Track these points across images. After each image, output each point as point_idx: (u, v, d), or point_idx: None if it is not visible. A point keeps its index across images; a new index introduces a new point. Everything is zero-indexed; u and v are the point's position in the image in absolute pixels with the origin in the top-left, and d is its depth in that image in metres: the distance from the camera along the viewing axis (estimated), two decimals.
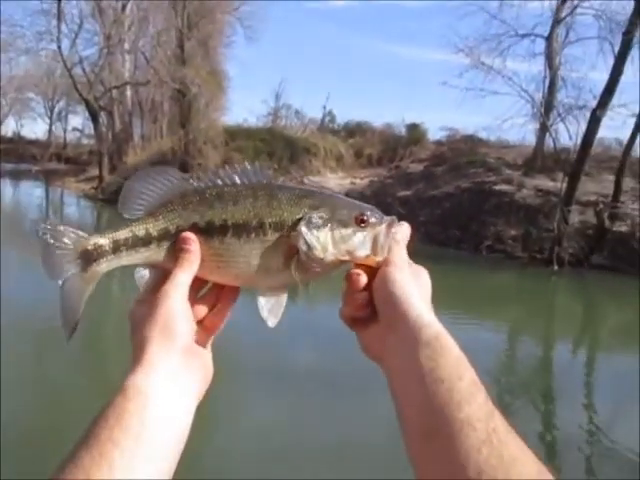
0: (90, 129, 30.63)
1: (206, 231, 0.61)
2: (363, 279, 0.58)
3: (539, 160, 17.46)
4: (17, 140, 42.79)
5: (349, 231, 0.60)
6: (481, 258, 14.25)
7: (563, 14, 17.31)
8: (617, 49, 14.30)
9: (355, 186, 18.37)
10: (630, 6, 13.97)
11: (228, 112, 23.40)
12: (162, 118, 24.79)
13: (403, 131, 22.31)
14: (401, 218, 0.64)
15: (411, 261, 0.61)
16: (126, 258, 0.62)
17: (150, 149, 22.37)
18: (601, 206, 14.13)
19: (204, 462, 3.73)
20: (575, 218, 14.40)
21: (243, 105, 50.54)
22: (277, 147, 19.83)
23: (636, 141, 14.85)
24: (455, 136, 21.46)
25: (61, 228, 0.64)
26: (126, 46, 24.50)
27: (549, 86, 17.37)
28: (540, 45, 17.75)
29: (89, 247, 0.62)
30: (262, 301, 0.61)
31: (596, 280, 13.21)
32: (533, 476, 0.43)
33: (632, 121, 14.57)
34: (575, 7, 17.19)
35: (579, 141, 14.95)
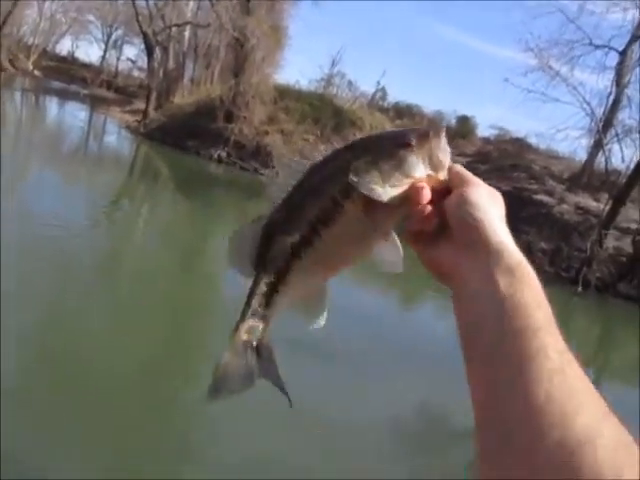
0: (143, 62, 30.79)
1: (304, 243, 0.60)
2: (427, 191, 0.57)
3: (586, 177, 16.94)
4: (70, 61, 43.21)
5: (398, 159, 0.58)
6: None
7: None
8: None
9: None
10: None
11: (281, 70, 23.20)
12: (215, 64, 24.66)
13: (453, 122, 21.84)
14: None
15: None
16: (273, 313, 0.63)
17: (198, 93, 22.32)
18: None
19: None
20: (610, 243, 13.99)
21: (297, 66, 49.82)
22: (324, 114, 19.60)
23: None
24: (504, 136, 20.93)
25: (222, 367, 0.63)
26: None
27: (613, 103, 16.73)
28: (612, 59, 17.04)
29: (245, 338, 0.62)
30: (380, 260, 0.60)
31: (619, 308, 12.89)
32: (599, 413, 0.42)
33: None
34: None
35: (632, 165, 14.40)
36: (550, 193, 16.20)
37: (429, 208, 0.56)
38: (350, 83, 22.71)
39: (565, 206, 15.78)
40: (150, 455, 3.54)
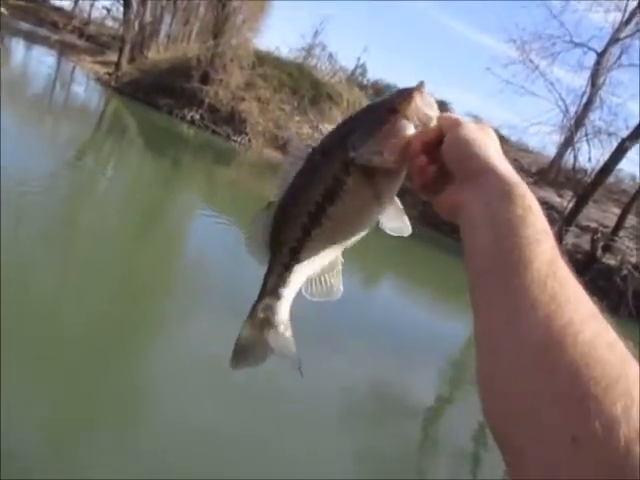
0: (118, 12, 29.56)
1: (313, 222, 0.63)
2: (416, 144, 0.59)
3: (553, 173, 17.26)
4: (40, 1, 41.05)
5: (388, 126, 0.60)
6: None
7: (623, 34, 16.72)
8: None
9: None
10: None
11: (261, 36, 22.66)
12: (194, 22, 23.88)
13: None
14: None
15: None
16: (290, 292, 0.66)
17: (175, 50, 21.61)
18: (599, 235, 14.08)
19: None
20: (570, 239, 14.36)
21: (279, 34, 48.68)
22: (302, 85, 19.28)
23: None
24: None
25: (239, 344, 0.68)
26: None
27: (586, 103, 17.00)
28: (590, 59, 17.25)
29: (262, 316, 0.66)
30: (387, 227, 0.64)
31: None
32: (585, 315, 0.43)
33: None
34: (637, 31, 16.59)
35: (598, 166, 14.74)
36: None
37: (423, 159, 0.59)
38: (331, 56, 22.36)
39: None
40: (99, 412, 3.50)
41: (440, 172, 0.59)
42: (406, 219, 0.64)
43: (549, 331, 0.42)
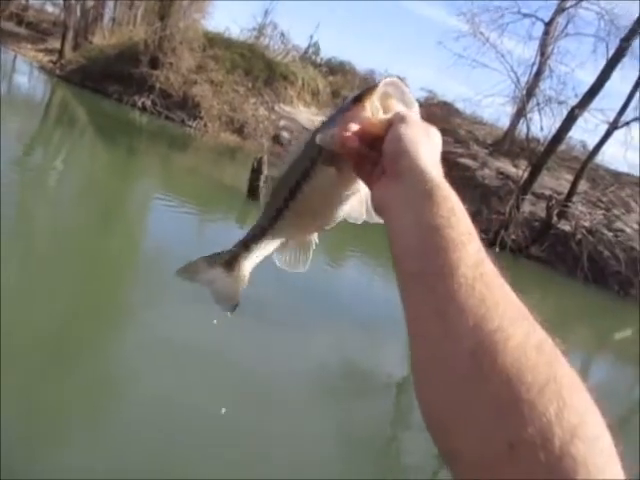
0: None
1: (290, 197, 0.68)
2: (352, 129, 0.60)
3: (507, 143, 17.60)
4: None
5: (348, 112, 0.63)
6: None
7: (568, 4, 17.04)
8: (611, 53, 14.28)
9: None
10: (635, 13, 13.87)
11: (210, 17, 22.10)
12: (139, 5, 23.02)
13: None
14: None
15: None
16: (258, 250, 0.72)
17: (121, 35, 20.84)
18: (553, 202, 14.50)
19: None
20: (526, 207, 14.74)
21: (228, 13, 47.49)
22: (255, 66, 18.96)
23: (602, 148, 15.14)
24: (433, 100, 21.24)
25: (196, 265, 0.74)
26: None
27: (536, 73, 17.31)
28: (539, 29, 17.53)
29: (226, 258, 0.73)
30: (351, 212, 0.69)
31: (529, 270, 13.73)
32: (514, 316, 0.43)
33: (604, 127, 14.79)
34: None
35: (550, 134, 15.09)
36: (474, 157, 16.74)
37: (355, 146, 0.59)
38: (283, 35, 22.00)
39: (487, 170, 16.39)
40: (70, 405, 3.45)
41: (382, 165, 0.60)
42: (362, 207, 0.67)
43: (479, 339, 0.41)
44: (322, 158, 0.65)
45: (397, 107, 0.63)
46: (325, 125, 0.65)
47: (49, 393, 3.50)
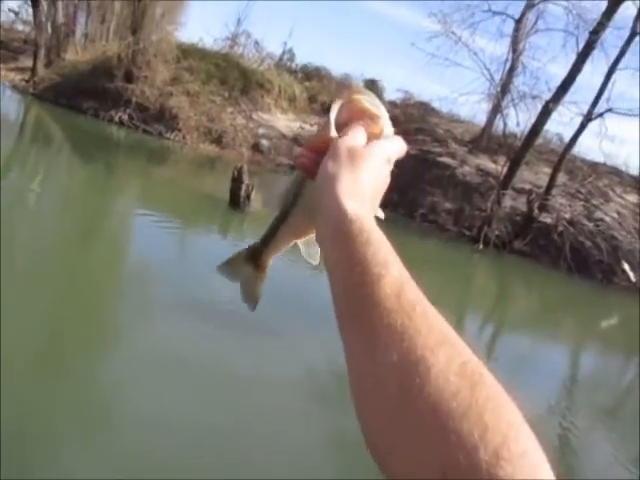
0: (28, 14, 27.94)
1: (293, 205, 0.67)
2: (305, 147, 0.61)
3: (485, 140, 17.78)
4: None
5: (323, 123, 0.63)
6: (414, 225, 14.51)
7: (537, 0, 17.30)
8: (581, 46, 14.51)
9: (303, 131, 17.99)
10: (602, 6, 14.12)
11: (183, 28, 22.04)
12: (111, 19, 22.92)
13: (360, 85, 21.95)
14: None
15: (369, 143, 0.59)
16: (279, 250, 0.72)
17: (94, 51, 20.69)
18: (533, 195, 14.67)
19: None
20: (507, 203, 14.89)
21: (199, 24, 47.38)
22: (230, 75, 18.94)
23: (578, 140, 15.35)
24: (409, 100, 21.40)
25: (236, 262, 0.74)
26: None
27: (509, 70, 17.52)
28: (509, 26, 17.76)
29: (254, 255, 0.72)
30: (304, 246, 0.70)
31: (514, 264, 13.86)
32: (436, 341, 0.43)
33: (579, 120, 15.01)
34: None
35: (526, 129, 15.28)
36: (453, 156, 16.88)
37: (304, 159, 0.60)
38: (257, 43, 22.01)
39: (467, 168, 16.53)
40: (60, 422, 3.41)
41: None
42: (317, 250, 0.67)
43: (404, 372, 0.42)
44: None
45: (353, 116, 0.61)
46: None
47: (35, 407, 3.45)
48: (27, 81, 19.98)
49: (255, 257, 0.73)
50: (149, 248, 7.40)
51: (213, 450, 3.46)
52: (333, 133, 0.60)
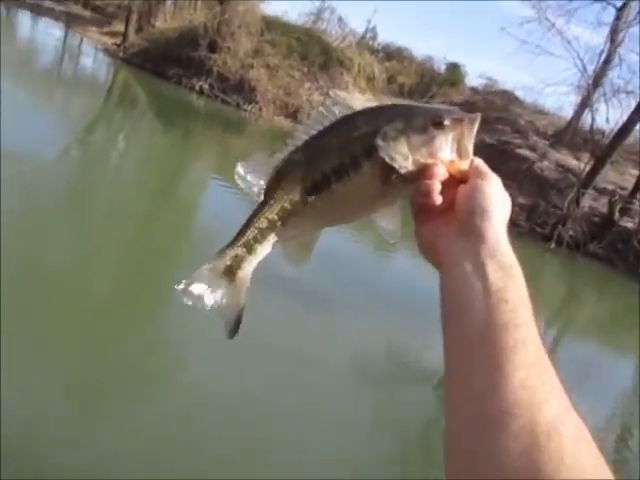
0: None
1: (314, 190, 0.60)
2: (441, 170, 0.58)
3: (569, 135, 16.90)
4: None
5: (427, 136, 0.59)
6: None
7: None
8: None
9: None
10: None
11: (268, 1, 22.14)
12: None
13: (442, 68, 21.34)
14: None
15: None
16: (263, 250, 0.62)
17: (181, 19, 21.21)
18: (616, 197, 13.85)
19: None
20: (587, 202, 14.15)
21: None
22: (311, 51, 18.91)
23: None
24: (492, 87, 20.60)
25: (195, 276, 0.61)
26: None
27: (604, 61, 16.46)
28: (609, 15, 16.63)
29: (228, 263, 0.61)
30: (379, 226, 0.62)
31: (586, 267, 13.21)
32: (564, 405, 0.46)
33: None
34: None
35: (616, 126, 14.38)
36: (533, 148, 16.16)
37: (438, 186, 0.57)
38: (340, 19, 21.78)
39: (546, 162, 15.80)
40: (117, 383, 3.57)
41: (444, 208, 0.59)
42: (398, 227, 0.62)
43: (536, 420, 0.44)
44: (373, 164, 0.59)
45: (469, 147, 0.60)
46: (390, 134, 0.59)
47: (98, 367, 3.61)
48: (118, 45, 20.80)
49: (234, 267, 0.61)
50: (220, 213, 7.61)
51: (264, 428, 3.54)
52: (485, 167, 0.59)
